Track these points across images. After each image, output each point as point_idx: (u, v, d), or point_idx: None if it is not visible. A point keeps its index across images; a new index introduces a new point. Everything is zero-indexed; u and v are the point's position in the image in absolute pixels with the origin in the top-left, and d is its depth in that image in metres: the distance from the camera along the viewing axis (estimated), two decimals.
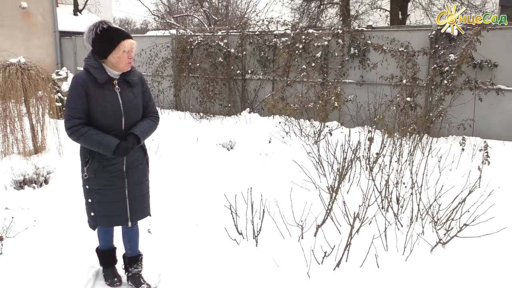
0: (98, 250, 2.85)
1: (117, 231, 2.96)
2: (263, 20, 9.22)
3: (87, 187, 2.57)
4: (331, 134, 6.37)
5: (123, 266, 2.88)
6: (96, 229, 2.77)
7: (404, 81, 7.35)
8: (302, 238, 3.27)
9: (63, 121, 2.43)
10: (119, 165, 2.53)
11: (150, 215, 2.86)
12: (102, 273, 2.87)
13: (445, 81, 6.93)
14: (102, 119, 2.43)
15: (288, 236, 3.35)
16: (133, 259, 2.82)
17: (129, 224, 2.66)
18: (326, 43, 8.08)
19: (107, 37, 2.39)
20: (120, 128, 2.47)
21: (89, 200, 2.60)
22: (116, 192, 2.56)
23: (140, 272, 2.83)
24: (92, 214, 2.62)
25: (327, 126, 6.91)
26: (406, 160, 4.62)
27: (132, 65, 2.54)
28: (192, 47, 9.58)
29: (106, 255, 2.84)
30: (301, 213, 3.48)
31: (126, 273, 2.85)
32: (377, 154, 4.85)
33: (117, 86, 2.47)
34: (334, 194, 3.61)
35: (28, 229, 3.52)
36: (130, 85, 2.52)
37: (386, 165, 4.43)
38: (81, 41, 9.80)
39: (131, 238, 2.82)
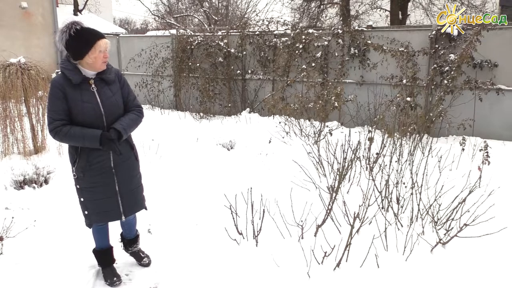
0: (95, 251, 2.87)
1: (113, 229, 2.96)
2: (263, 20, 9.22)
3: (77, 186, 2.64)
4: (331, 134, 6.37)
5: (120, 240, 3.07)
6: (91, 230, 2.81)
7: (404, 81, 7.35)
8: (302, 238, 3.27)
9: (47, 124, 2.46)
10: (106, 161, 2.57)
11: (146, 209, 2.92)
12: (102, 273, 2.87)
13: (445, 81, 6.93)
14: (83, 118, 2.47)
15: (288, 236, 3.34)
16: (132, 240, 3.04)
17: (123, 218, 2.73)
18: (326, 43, 8.08)
19: (82, 38, 2.41)
20: (102, 125, 2.52)
21: (81, 199, 2.65)
22: (106, 188, 2.61)
23: (139, 247, 3.08)
24: (86, 212, 2.67)
25: (327, 126, 6.91)
26: (406, 160, 4.62)
27: (108, 63, 2.59)
28: (192, 47, 9.58)
29: (103, 255, 2.86)
30: (301, 213, 3.48)
31: (126, 250, 3.07)
32: (377, 154, 4.85)
33: (93, 86, 2.51)
34: (334, 194, 3.61)
35: (28, 229, 3.53)
36: (107, 83, 2.57)
37: (386, 165, 4.43)
38: None
39: (129, 226, 2.98)
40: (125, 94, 2.68)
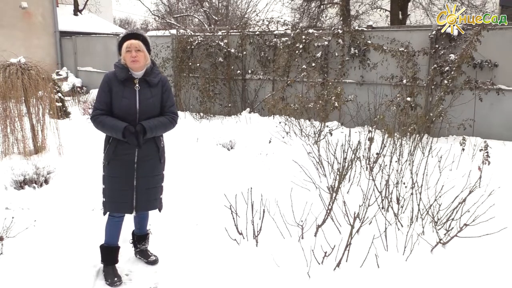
0: (102, 247, 2.90)
1: (124, 230, 2.96)
2: (263, 20, 9.22)
3: (103, 173, 2.83)
4: (331, 134, 6.37)
5: (131, 241, 3.17)
6: (105, 223, 2.88)
7: (404, 81, 7.35)
8: (302, 238, 3.27)
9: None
10: (130, 156, 2.75)
11: (159, 211, 3.05)
12: (103, 272, 2.88)
13: (445, 81, 6.93)
14: (119, 112, 2.71)
15: (288, 236, 3.34)
16: (142, 237, 3.13)
17: (134, 213, 2.85)
18: (326, 43, 8.08)
19: (119, 42, 2.77)
20: (135, 121, 2.72)
21: (103, 186, 2.82)
22: (124, 181, 2.77)
23: (147, 247, 3.17)
24: (104, 199, 2.83)
25: (327, 126, 6.91)
26: (406, 160, 4.62)
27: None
28: (192, 47, 9.58)
29: (109, 252, 2.88)
30: (301, 213, 3.48)
31: (135, 248, 3.16)
32: (377, 154, 4.85)
33: (137, 85, 2.74)
34: (334, 194, 3.61)
35: (28, 229, 3.52)
36: (149, 85, 2.78)
37: (386, 165, 4.43)
38: (81, 41, 9.94)
39: (140, 220, 3.09)
40: (164, 99, 2.86)
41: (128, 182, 2.77)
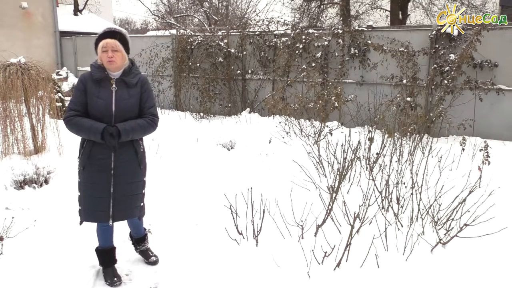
0: (97, 250, 2.87)
1: (119, 230, 2.96)
2: (263, 20, 9.23)
3: (79, 180, 2.71)
4: (331, 134, 6.37)
5: (130, 239, 3.14)
6: (96, 228, 2.82)
7: (404, 81, 7.35)
8: (302, 238, 3.27)
9: None
10: (106, 160, 2.61)
11: (139, 219, 2.92)
12: (102, 273, 2.87)
13: (445, 81, 6.93)
14: (94, 113, 2.57)
15: (288, 236, 3.34)
16: (140, 239, 3.08)
17: (110, 222, 2.69)
18: (326, 43, 8.09)
19: (96, 40, 2.64)
20: (110, 123, 2.57)
21: (79, 194, 2.70)
22: (101, 187, 2.63)
23: (148, 246, 3.12)
24: (79, 207, 2.72)
25: (327, 126, 6.91)
26: (406, 160, 4.62)
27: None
28: (192, 47, 9.58)
29: (105, 254, 2.86)
30: (301, 213, 3.48)
31: (135, 248, 3.12)
32: (377, 154, 4.85)
33: (114, 85, 2.61)
34: (334, 194, 3.61)
35: (28, 229, 3.52)
36: (127, 86, 2.65)
37: (386, 165, 4.43)
38: (81, 41, 9.93)
39: (134, 225, 3.03)
40: (143, 100, 2.69)
41: (105, 189, 2.61)
